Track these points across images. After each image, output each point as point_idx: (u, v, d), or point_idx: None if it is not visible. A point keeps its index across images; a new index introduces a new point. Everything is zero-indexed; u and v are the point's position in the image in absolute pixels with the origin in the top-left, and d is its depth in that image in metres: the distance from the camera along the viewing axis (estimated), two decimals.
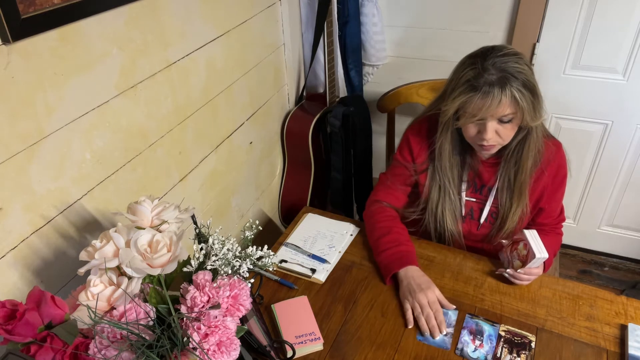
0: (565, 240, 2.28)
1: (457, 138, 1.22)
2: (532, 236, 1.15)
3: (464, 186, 1.28)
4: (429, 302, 1.13)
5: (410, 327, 1.11)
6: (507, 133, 1.11)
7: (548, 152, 1.20)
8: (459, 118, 1.13)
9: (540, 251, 1.12)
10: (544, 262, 1.20)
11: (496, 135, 1.11)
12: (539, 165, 1.20)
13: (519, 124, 1.11)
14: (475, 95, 1.05)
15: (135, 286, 0.75)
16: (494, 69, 1.04)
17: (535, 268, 1.17)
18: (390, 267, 1.22)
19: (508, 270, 1.19)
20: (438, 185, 1.26)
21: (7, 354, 0.71)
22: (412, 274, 1.19)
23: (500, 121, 1.09)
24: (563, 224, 1.35)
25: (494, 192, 1.26)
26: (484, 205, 1.28)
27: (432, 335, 1.09)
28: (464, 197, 1.29)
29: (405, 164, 1.32)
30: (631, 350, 1.02)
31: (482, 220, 1.29)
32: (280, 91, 1.90)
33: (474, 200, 1.30)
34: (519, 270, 1.17)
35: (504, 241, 1.25)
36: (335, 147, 1.95)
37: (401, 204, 1.37)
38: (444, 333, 1.09)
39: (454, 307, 1.14)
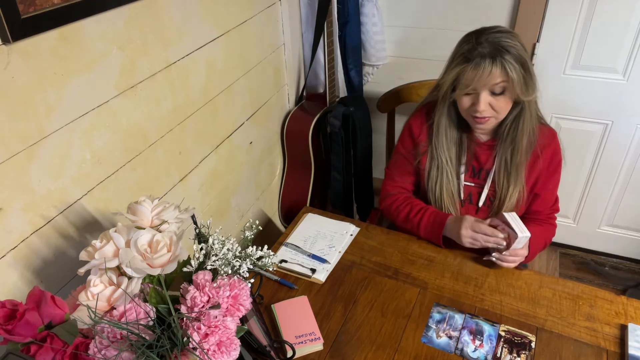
0: (565, 240, 2.29)
1: (454, 114, 1.26)
2: (512, 218, 1.18)
3: (462, 169, 1.31)
4: (473, 231, 1.21)
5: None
6: (501, 106, 1.15)
7: (543, 137, 1.25)
8: (454, 91, 1.18)
9: (522, 230, 1.15)
10: (528, 248, 1.23)
11: (490, 108, 1.15)
12: (534, 147, 1.24)
13: (513, 98, 1.15)
14: (468, 65, 1.12)
15: (135, 286, 0.75)
16: (487, 43, 1.11)
17: (520, 249, 1.20)
18: (436, 233, 1.29)
19: (494, 254, 1.21)
20: (437, 165, 1.30)
21: (7, 354, 0.71)
22: (451, 225, 1.27)
23: (493, 93, 1.14)
24: (559, 221, 1.36)
25: (491, 175, 1.29)
26: (482, 189, 1.31)
27: (498, 249, 1.20)
28: (463, 182, 1.31)
29: (405, 154, 1.37)
30: (631, 350, 1.02)
31: (480, 204, 1.31)
32: (280, 91, 1.90)
33: (473, 184, 1.33)
34: (504, 253, 1.20)
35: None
36: (335, 147, 1.95)
37: (409, 192, 1.43)
38: (503, 236, 1.18)
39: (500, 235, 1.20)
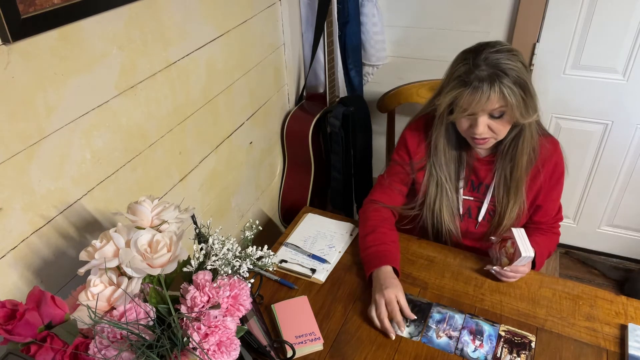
0: (565, 240, 2.29)
1: (452, 133, 1.23)
2: (520, 235, 1.16)
3: (461, 183, 1.29)
4: (386, 302, 1.11)
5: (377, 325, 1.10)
6: (500, 128, 1.12)
7: (544, 150, 1.21)
8: (452, 112, 1.14)
9: (527, 250, 1.13)
10: (533, 261, 1.21)
11: (488, 130, 1.12)
12: (535, 163, 1.21)
13: (512, 121, 1.12)
14: (465, 90, 1.07)
15: (135, 286, 0.75)
16: (485, 64, 1.06)
17: (521, 266, 1.18)
18: (368, 266, 1.22)
19: (495, 267, 1.20)
20: (435, 181, 1.27)
21: (7, 354, 0.71)
22: (381, 274, 1.17)
23: (492, 116, 1.10)
24: (561, 223, 1.35)
25: (491, 190, 1.27)
26: (482, 203, 1.29)
27: (387, 334, 1.08)
28: (462, 196, 1.30)
29: (401, 163, 1.33)
30: (631, 350, 1.02)
31: (480, 218, 1.30)
32: (280, 91, 1.90)
33: (472, 199, 1.30)
34: (505, 268, 1.18)
35: (492, 238, 1.26)
36: (335, 147, 1.95)
37: (397, 205, 1.37)
38: (402, 332, 1.09)
39: (414, 317, 1.12)
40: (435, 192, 1.28)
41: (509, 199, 1.23)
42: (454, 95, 1.09)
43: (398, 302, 1.11)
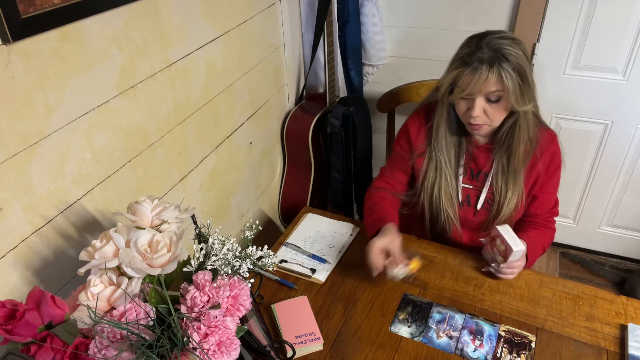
0: (565, 240, 2.29)
1: (453, 117, 1.25)
2: (506, 231, 1.17)
3: (460, 170, 1.30)
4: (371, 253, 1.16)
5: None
6: (495, 114, 1.15)
7: (543, 140, 1.23)
8: (452, 92, 1.17)
9: (516, 244, 1.14)
10: (526, 256, 1.21)
11: (484, 114, 1.14)
12: (532, 154, 1.23)
13: (508, 107, 1.14)
14: (465, 69, 1.10)
15: (135, 286, 0.75)
16: (487, 48, 1.09)
17: (516, 261, 1.19)
18: (370, 231, 1.26)
19: (492, 265, 1.21)
20: (435, 165, 1.29)
21: (7, 354, 0.71)
22: (379, 236, 1.21)
23: (489, 100, 1.13)
24: (559, 221, 1.35)
25: (489, 178, 1.28)
26: (481, 192, 1.30)
27: (395, 277, 1.14)
28: (461, 184, 1.31)
29: (402, 153, 1.36)
30: (631, 350, 1.02)
31: (478, 206, 1.31)
32: (280, 91, 1.90)
33: (471, 187, 1.32)
34: (501, 266, 1.19)
35: (482, 239, 1.27)
36: (335, 147, 1.95)
37: (398, 192, 1.40)
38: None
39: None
40: (434, 176, 1.30)
41: (507, 187, 1.25)
42: (454, 74, 1.13)
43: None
